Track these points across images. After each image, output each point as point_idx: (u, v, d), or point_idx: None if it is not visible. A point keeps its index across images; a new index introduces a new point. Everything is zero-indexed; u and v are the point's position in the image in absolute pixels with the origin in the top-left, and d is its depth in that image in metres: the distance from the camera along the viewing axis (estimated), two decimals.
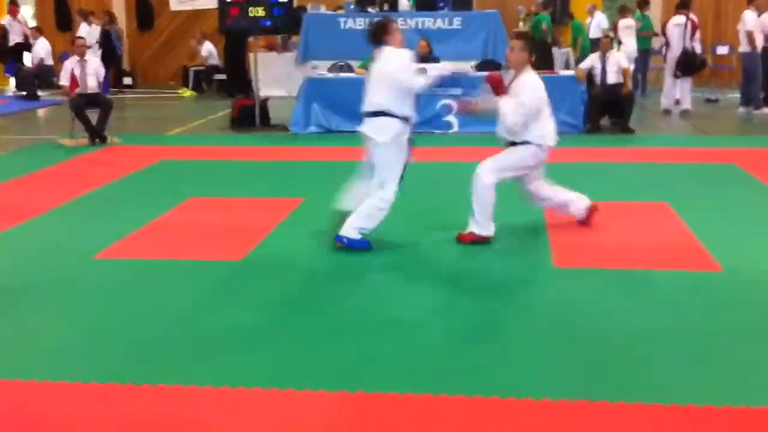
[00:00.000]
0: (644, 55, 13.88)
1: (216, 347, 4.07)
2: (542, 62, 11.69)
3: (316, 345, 4.08)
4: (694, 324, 4.31)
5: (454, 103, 7.71)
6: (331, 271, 5.32)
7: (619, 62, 10.82)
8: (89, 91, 10.32)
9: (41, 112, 14.31)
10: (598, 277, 5.09)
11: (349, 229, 5.61)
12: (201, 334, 4.24)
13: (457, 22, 13.45)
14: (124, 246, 5.88)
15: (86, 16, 16.01)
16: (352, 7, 14.28)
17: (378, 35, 5.67)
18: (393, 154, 5.62)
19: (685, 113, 12.05)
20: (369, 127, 5.63)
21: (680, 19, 12.17)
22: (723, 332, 4.19)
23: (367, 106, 5.66)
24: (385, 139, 5.55)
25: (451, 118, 10.73)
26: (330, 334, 4.23)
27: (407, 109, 5.61)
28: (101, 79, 10.55)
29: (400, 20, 13.38)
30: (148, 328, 4.32)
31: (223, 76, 15.89)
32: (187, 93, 16.17)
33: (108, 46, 15.57)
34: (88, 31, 15.24)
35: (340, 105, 10.77)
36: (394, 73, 5.50)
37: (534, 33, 13.53)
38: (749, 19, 11.89)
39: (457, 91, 10.69)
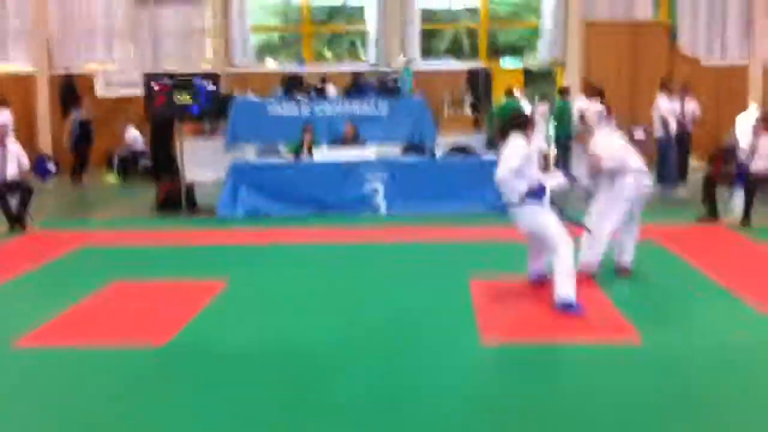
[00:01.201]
0: (566, 139, 14.33)
1: None
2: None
3: None
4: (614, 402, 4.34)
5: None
6: (254, 356, 5.21)
7: (539, 146, 11.15)
8: (9, 178, 10.08)
9: None
10: (525, 355, 5.11)
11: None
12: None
13: (383, 108, 13.74)
14: (44, 333, 5.71)
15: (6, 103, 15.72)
16: (279, 94, 14.49)
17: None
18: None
19: None
20: None
21: (595, 105, 12.66)
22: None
23: None
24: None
25: (379, 201, 10.78)
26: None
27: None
28: (24, 166, 10.33)
29: (328, 106, 13.72)
30: (68, 420, 4.13)
31: (148, 162, 15.76)
32: (111, 179, 15.95)
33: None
34: (8, 117, 14.97)
35: (268, 188, 10.77)
36: None
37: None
38: (662, 104, 12.43)
39: (385, 174, 10.82)
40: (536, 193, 5.89)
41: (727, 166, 10.06)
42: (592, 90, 13.63)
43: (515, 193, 5.92)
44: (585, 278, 6.55)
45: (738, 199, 9.99)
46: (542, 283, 6.47)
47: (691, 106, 12.88)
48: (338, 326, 5.78)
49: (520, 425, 4.04)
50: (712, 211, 9.70)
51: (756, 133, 9.74)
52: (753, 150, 9.61)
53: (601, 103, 12.74)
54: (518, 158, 5.86)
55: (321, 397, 4.43)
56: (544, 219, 5.96)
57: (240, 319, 6.02)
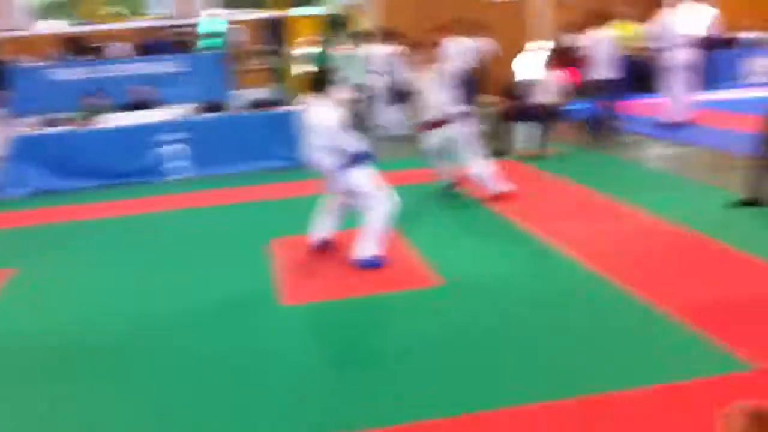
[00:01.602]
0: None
1: None
2: None
3: None
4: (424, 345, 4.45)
5: None
6: (49, 348, 4.90)
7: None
8: None
9: None
10: (321, 311, 5.14)
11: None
12: None
13: (180, 66, 13.21)
14: None
15: None
16: (65, 57, 13.56)
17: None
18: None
19: (403, 137, 12.61)
20: None
21: (387, 49, 12.76)
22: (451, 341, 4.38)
23: None
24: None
25: (180, 164, 10.37)
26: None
27: None
28: None
29: (118, 67, 12.99)
30: None
31: None
32: None
33: None
34: None
35: (56, 162, 10.07)
36: None
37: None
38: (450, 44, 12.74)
39: (183, 134, 10.42)
40: (359, 157, 5.85)
41: (516, 101, 10.50)
42: (389, 35, 13.73)
43: (332, 163, 5.84)
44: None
45: (527, 133, 10.42)
46: (326, 246, 6.35)
47: (485, 44, 13.24)
48: (138, 306, 5.54)
49: (324, 378, 4.05)
50: (504, 146, 10.11)
51: (549, 67, 10.22)
52: (540, 83, 10.08)
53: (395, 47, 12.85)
54: (326, 134, 5.78)
55: (121, 382, 4.27)
56: (363, 177, 5.91)
57: (33, 309, 5.63)
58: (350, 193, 6.01)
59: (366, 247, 5.90)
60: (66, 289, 6.10)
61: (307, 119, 5.95)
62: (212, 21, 14.71)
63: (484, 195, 7.94)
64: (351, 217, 6.24)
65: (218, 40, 14.59)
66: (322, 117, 5.83)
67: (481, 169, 7.93)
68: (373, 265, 5.87)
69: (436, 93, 7.75)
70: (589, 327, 4.60)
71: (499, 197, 7.81)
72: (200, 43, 14.72)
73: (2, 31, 16.18)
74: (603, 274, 5.41)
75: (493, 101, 13.24)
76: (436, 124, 7.79)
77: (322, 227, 6.32)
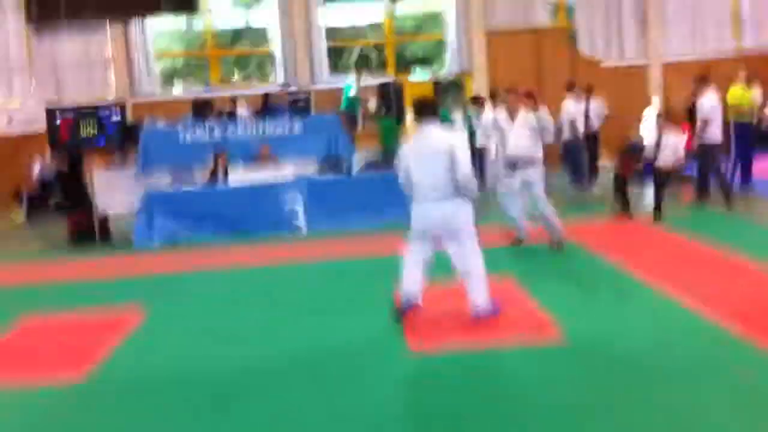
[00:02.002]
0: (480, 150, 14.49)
1: None
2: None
3: None
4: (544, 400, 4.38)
5: None
6: (182, 381, 5.05)
7: None
8: None
9: None
10: (449, 360, 5.12)
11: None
12: None
13: (297, 128, 13.66)
14: None
15: None
16: (191, 119, 14.24)
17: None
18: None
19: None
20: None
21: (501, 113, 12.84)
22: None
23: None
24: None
25: (299, 221, 10.69)
26: None
27: None
28: None
29: (240, 129, 13.56)
30: None
31: (59, 198, 15.23)
32: (19, 217, 15.37)
33: None
34: None
35: (183, 215, 10.55)
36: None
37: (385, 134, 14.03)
38: (569, 106, 12.74)
39: (303, 190, 10.74)
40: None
41: (634, 162, 10.38)
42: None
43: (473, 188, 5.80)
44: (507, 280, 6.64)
45: (648, 193, 10.29)
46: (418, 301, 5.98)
47: (597, 106, 13.25)
48: (263, 351, 5.65)
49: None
50: (624, 207, 9.97)
51: (660, 128, 10.07)
52: (658, 145, 9.92)
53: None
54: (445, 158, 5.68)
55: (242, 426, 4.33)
56: (469, 217, 5.85)
57: (158, 350, 5.85)
58: (449, 234, 5.79)
59: (482, 295, 5.81)
60: (188, 332, 6.31)
61: (422, 145, 5.77)
62: (350, 86, 15.36)
63: (547, 240, 8.29)
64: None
65: (355, 102, 15.17)
66: (442, 139, 5.72)
67: (551, 214, 8.28)
68: (495, 312, 5.82)
69: (520, 135, 8.18)
70: (730, 404, 4.13)
71: (561, 245, 8.18)
72: (343, 104, 15.36)
73: (132, 95, 17.25)
74: (741, 335, 5.19)
75: (611, 162, 13.14)
76: (514, 164, 8.11)
77: (415, 281, 5.95)
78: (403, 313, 5.81)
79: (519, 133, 8.25)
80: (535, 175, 8.24)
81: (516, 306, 6.20)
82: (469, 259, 5.80)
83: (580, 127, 12.78)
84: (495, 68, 17.38)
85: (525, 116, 8.30)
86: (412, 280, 5.85)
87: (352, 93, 15.78)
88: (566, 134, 12.84)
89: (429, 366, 5.04)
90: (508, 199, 8.46)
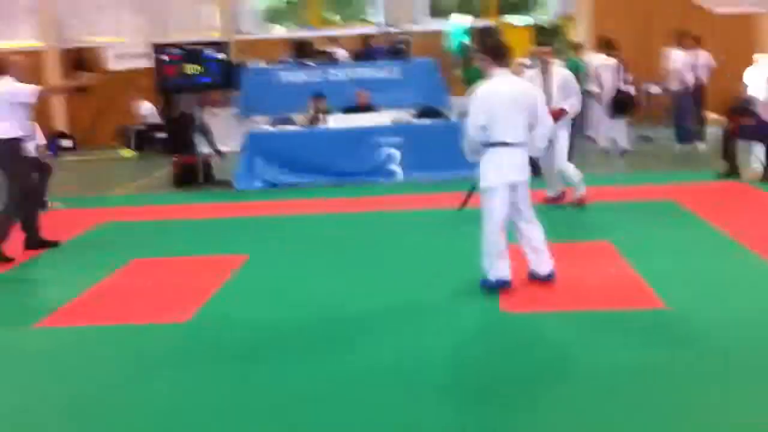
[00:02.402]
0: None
1: (164, 415, 3.96)
2: None
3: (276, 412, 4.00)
4: (647, 362, 4.35)
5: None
6: (282, 326, 5.24)
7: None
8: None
9: None
10: (548, 321, 5.12)
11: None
12: (145, 403, 4.13)
13: (394, 72, 13.64)
14: (65, 313, 5.75)
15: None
16: (291, 60, 14.39)
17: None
18: None
19: (622, 152, 12.31)
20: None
21: (610, 60, 12.50)
22: (675, 370, 4.23)
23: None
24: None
25: (395, 167, 10.76)
26: (288, 399, 4.15)
27: None
28: (40, 143, 10.34)
29: (338, 71, 13.63)
30: (82, 400, 4.21)
31: (164, 135, 15.73)
32: (128, 153, 15.98)
33: None
34: None
35: (284, 158, 10.76)
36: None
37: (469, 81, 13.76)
38: (676, 57, 12.27)
39: (399, 139, 10.78)
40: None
41: (745, 119, 9.95)
42: (603, 44, 13.43)
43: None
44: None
45: (758, 153, 9.89)
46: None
47: (704, 58, 12.70)
48: (362, 294, 5.81)
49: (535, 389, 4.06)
50: (732, 166, 9.62)
51: None
52: None
53: (616, 57, 12.56)
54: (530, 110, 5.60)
55: (347, 364, 4.48)
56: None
57: (262, 292, 6.05)
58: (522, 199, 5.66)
59: (549, 260, 5.77)
60: (289, 275, 6.52)
61: (507, 90, 5.50)
62: (458, 25, 15.11)
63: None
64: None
65: (465, 43, 14.95)
66: (525, 89, 5.63)
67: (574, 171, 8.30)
68: (550, 278, 5.76)
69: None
70: None
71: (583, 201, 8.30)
72: (451, 45, 15.12)
73: (235, 34, 17.48)
74: None
75: (718, 119, 12.65)
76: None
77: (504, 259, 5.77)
78: (494, 290, 5.68)
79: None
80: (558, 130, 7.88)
81: (613, 270, 6.12)
82: (535, 226, 5.78)
83: (689, 79, 12.30)
84: (600, 13, 16.80)
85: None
86: (503, 262, 5.66)
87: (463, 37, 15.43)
88: (674, 85, 12.41)
89: (521, 325, 5.07)
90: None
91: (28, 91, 7.36)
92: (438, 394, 4.07)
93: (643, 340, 4.70)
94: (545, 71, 8.27)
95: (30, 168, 8.12)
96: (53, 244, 7.83)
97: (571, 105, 8.24)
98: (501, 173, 5.49)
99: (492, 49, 5.64)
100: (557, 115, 7.81)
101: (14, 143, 7.35)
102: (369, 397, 4.08)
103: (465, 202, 6.29)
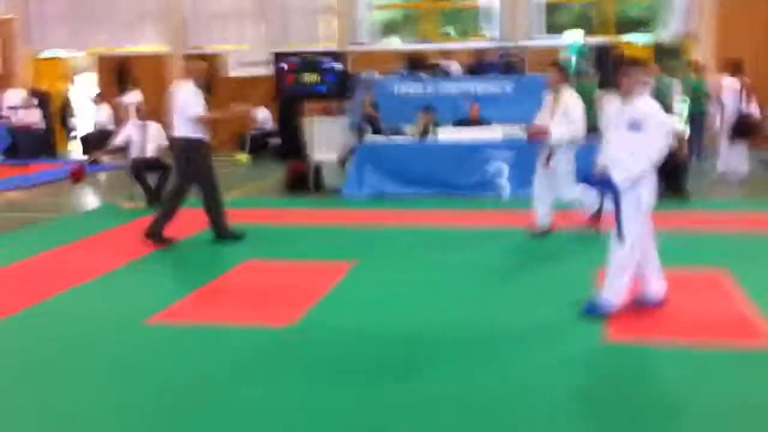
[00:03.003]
0: (699, 118, 13.73)
1: (258, 418, 4.08)
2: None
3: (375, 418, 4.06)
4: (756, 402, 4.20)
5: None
6: (386, 337, 5.30)
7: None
8: (148, 155, 10.62)
9: (103, 176, 14.71)
10: (655, 353, 4.99)
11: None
12: (244, 404, 4.26)
13: (507, 87, 13.58)
14: (177, 310, 5.98)
15: (137, 84, 16.46)
16: (404, 72, 14.54)
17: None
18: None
19: (741, 178, 11.87)
20: None
21: (734, 82, 12.09)
22: None
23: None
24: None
25: (503, 182, 10.73)
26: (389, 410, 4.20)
27: None
28: (162, 144, 10.84)
29: (450, 85, 13.68)
30: (186, 397, 4.36)
31: (278, 141, 16.18)
32: (243, 158, 16.49)
33: None
34: (139, 97, 15.69)
35: (394, 169, 10.89)
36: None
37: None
38: None
39: (509, 153, 10.74)
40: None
41: None
42: (729, 66, 12.99)
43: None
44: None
45: None
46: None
47: None
48: (463, 313, 5.80)
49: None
50: None
51: None
52: None
53: (740, 79, 12.13)
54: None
55: (457, 384, 4.47)
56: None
57: (366, 302, 6.13)
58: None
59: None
60: (395, 286, 6.58)
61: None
62: (574, 43, 14.92)
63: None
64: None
65: (580, 61, 14.74)
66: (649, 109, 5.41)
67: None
68: (602, 312, 5.52)
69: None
70: None
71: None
72: (570, 62, 14.95)
73: (351, 45, 17.81)
74: None
75: None
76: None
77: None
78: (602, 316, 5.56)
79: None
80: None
81: (724, 302, 5.92)
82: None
83: None
84: (723, 33, 16.26)
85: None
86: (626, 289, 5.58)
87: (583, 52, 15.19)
88: None
89: (622, 357, 4.95)
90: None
91: (191, 113, 8.00)
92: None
93: (756, 379, 4.53)
94: (557, 97, 8.04)
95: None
96: (171, 242, 8.21)
97: (571, 130, 7.89)
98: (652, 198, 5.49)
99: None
100: (537, 134, 7.95)
101: (196, 143, 8.10)
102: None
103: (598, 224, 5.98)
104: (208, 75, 17.57)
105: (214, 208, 8.36)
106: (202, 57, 18.05)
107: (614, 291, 5.53)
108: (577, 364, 4.80)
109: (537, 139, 8.08)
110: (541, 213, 8.24)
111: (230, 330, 5.50)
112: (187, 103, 7.96)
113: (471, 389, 4.40)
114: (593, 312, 5.55)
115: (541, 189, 8.21)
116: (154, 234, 8.13)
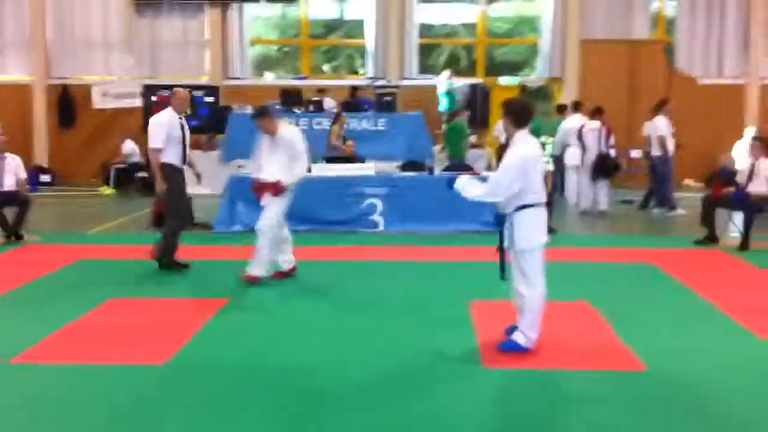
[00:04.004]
0: (560, 158, 14.29)
1: None
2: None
3: None
4: (623, 425, 4.31)
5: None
6: (255, 373, 5.16)
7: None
8: (6, 189, 10.05)
9: None
10: (526, 378, 5.08)
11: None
12: None
13: (381, 124, 13.75)
14: (41, 349, 5.66)
15: None
16: (277, 107, 14.47)
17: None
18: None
19: (602, 214, 12.42)
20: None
21: (595, 124, 12.69)
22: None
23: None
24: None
25: (377, 217, 10.79)
26: None
27: None
28: (21, 177, 10.29)
29: (325, 121, 13.71)
30: None
31: (144, 174, 15.71)
32: (107, 191, 15.91)
33: None
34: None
35: None
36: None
37: (449, 137, 13.83)
38: (661, 123, 12.46)
39: (383, 190, 10.82)
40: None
41: (725, 188, 10.08)
42: (583, 108, 13.65)
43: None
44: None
45: (736, 221, 10.00)
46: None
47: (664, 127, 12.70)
48: (335, 346, 5.75)
49: None
50: (710, 233, 9.71)
51: (754, 155, 9.76)
52: (751, 172, 9.62)
53: (601, 121, 12.75)
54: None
55: (316, 418, 4.39)
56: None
57: (238, 338, 5.98)
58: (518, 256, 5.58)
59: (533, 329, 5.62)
60: (268, 321, 6.47)
61: (536, 153, 5.57)
62: (448, 83, 15.21)
63: None
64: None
65: (453, 100, 15.03)
66: (539, 149, 5.62)
67: None
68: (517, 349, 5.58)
69: None
70: None
71: None
72: (442, 102, 15.20)
73: (225, 79, 17.61)
74: None
75: (696, 185, 12.82)
76: None
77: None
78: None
79: None
80: None
81: (592, 330, 6.11)
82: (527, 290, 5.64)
83: (670, 146, 12.48)
84: (587, 78, 17.12)
85: None
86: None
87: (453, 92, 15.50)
88: (655, 150, 12.58)
89: (504, 383, 5.02)
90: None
91: (151, 140, 8.10)
92: None
93: (621, 401, 4.67)
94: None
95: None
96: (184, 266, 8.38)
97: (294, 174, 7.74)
98: (543, 231, 5.55)
99: (516, 111, 5.56)
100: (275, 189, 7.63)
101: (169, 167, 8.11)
102: None
103: (502, 266, 5.91)
104: (73, 106, 16.93)
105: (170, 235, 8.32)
106: (64, 86, 17.51)
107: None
108: (463, 393, 4.80)
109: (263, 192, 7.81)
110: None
111: (97, 369, 5.23)
112: (150, 135, 8.09)
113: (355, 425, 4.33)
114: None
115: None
116: (169, 262, 8.27)
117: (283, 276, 7.96)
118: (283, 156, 7.69)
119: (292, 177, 7.71)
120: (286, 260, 8.05)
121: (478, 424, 4.36)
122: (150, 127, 8.13)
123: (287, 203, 7.82)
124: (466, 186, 5.67)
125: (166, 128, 8.05)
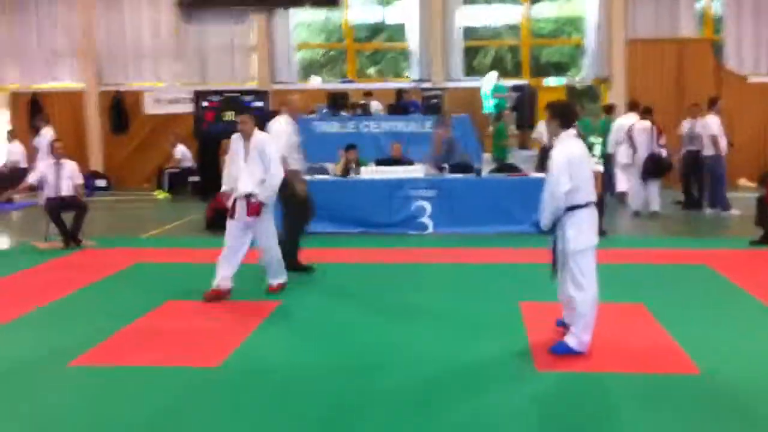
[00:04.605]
0: (610, 157, 14.19)
1: None
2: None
3: None
4: (675, 430, 4.30)
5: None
6: (311, 376, 5.25)
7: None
8: (63, 194, 10.31)
9: (15, 215, 14.21)
10: (578, 382, 5.08)
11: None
12: None
13: (428, 126, 13.79)
14: (98, 353, 5.80)
15: (49, 121, 15.98)
16: (324, 111, 14.62)
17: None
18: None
19: (654, 215, 12.29)
20: None
21: (645, 124, 12.57)
22: None
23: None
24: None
25: (426, 220, 10.85)
26: None
27: None
28: (77, 182, 10.55)
29: (372, 124, 13.81)
30: None
31: (197, 178, 15.98)
32: (161, 195, 16.21)
33: None
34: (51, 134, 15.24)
35: (317, 207, 10.82)
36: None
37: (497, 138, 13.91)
38: (712, 122, 12.29)
39: (432, 192, 10.88)
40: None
41: None
42: (639, 108, 13.50)
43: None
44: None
45: None
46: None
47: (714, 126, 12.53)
48: (387, 349, 5.80)
49: None
50: (766, 234, 9.56)
51: None
52: None
53: (650, 120, 12.63)
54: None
55: (370, 419, 4.46)
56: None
57: (292, 341, 6.08)
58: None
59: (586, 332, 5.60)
60: (321, 323, 6.55)
61: (583, 153, 5.55)
62: (496, 84, 15.22)
63: None
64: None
65: (503, 101, 15.06)
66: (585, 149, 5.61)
67: None
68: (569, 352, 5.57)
69: None
70: None
71: None
72: (489, 104, 15.25)
73: (273, 84, 17.82)
74: None
75: (750, 185, 12.59)
76: None
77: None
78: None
79: None
80: None
81: (646, 333, 6.09)
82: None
83: (723, 145, 12.30)
84: (634, 77, 16.94)
85: None
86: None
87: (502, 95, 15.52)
88: (707, 150, 12.40)
89: (556, 386, 5.03)
90: None
91: (274, 150, 7.33)
92: None
93: (673, 405, 4.66)
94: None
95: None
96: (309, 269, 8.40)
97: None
98: (594, 232, 5.55)
99: (561, 112, 5.60)
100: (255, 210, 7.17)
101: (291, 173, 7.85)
102: None
103: (554, 267, 5.93)
104: (125, 112, 17.29)
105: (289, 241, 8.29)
106: (116, 93, 17.89)
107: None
108: (514, 395, 4.83)
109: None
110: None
111: (153, 371, 5.35)
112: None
113: (407, 422, 4.39)
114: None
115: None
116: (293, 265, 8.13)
117: (216, 297, 7.25)
118: (259, 164, 7.20)
119: (268, 190, 7.19)
120: (227, 276, 7.37)
121: (530, 427, 4.38)
122: (272, 136, 7.69)
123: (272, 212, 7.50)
124: (540, 218, 5.65)
125: (286, 136, 7.87)
